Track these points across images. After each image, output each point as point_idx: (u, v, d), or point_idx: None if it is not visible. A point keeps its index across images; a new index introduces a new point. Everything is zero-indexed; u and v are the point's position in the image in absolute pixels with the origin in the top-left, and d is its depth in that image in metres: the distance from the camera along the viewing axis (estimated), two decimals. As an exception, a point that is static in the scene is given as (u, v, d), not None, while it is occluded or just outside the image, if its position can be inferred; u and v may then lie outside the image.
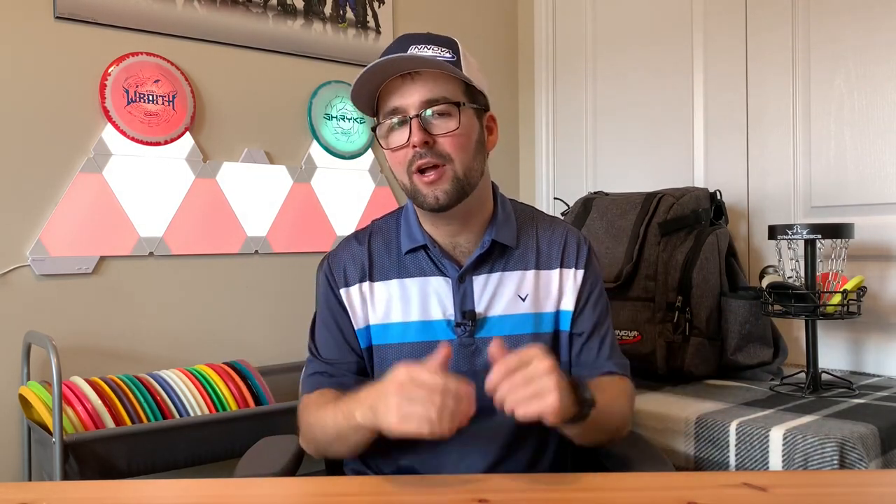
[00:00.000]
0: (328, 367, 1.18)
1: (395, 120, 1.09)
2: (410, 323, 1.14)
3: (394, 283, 1.16)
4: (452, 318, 1.13)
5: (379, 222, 1.25)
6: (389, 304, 1.15)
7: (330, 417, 1.06)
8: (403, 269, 1.17)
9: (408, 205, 1.21)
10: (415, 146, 1.07)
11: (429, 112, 1.07)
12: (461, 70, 1.09)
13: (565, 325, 1.17)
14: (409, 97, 1.08)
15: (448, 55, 1.09)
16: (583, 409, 0.98)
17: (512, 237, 1.17)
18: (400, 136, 1.09)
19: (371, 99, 1.12)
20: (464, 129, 1.09)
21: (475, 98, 1.13)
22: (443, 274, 1.15)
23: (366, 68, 1.06)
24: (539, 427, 1.15)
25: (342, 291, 1.18)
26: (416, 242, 1.16)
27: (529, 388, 0.91)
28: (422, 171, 1.08)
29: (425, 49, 1.08)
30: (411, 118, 1.07)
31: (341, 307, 1.18)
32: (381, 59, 1.06)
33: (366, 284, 1.17)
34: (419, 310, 1.14)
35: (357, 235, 1.23)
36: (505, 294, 1.15)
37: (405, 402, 0.92)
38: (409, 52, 1.08)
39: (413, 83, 1.08)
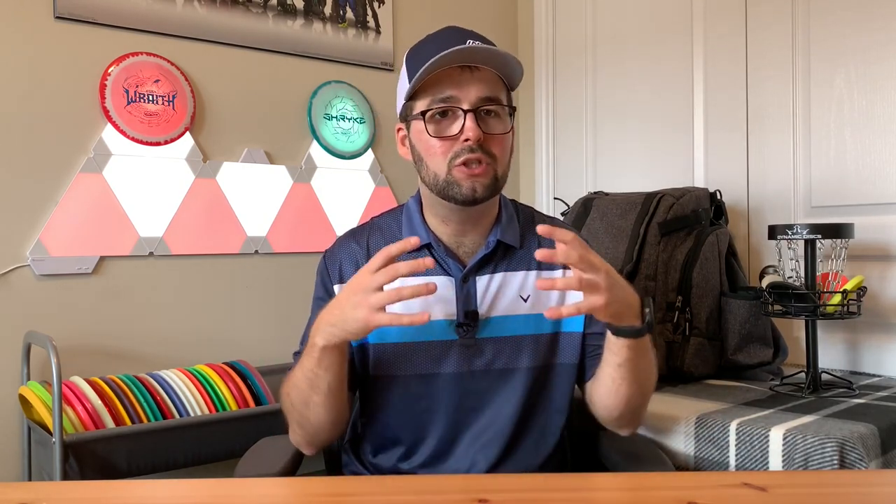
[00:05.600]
0: None
1: (443, 110, 1.08)
2: None
3: (395, 281, 1.15)
4: (454, 318, 1.13)
5: (378, 220, 1.24)
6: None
7: (298, 371, 1.07)
8: None
9: (410, 203, 1.20)
10: (467, 140, 1.06)
11: (484, 110, 1.08)
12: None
13: (568, 327, 1.17)
14: (468, 90, 1.07)
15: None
16: (643, 321, 1.01)
17: (516, 237, 1.17)
18: (449, 126, 1.08)
19: (418, 80, 1.09)
20: (510, 134, 1.11)
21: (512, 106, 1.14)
22: (446, 273, 1.14)
23: (438, 56, 1.03)
24: (539, 427, 1.16)
25: (336, 287, 1.17)
26: (420, 241, 1.15)
27: (585, 278, 0.94)
28: (466, 163, 1.07)
29: (492, 48, 1.08)
30: (466, 111, 1.06)
31: None
32: (458, 48, 1.04)
33: None
34: (420, 309, 1.13)
35: (355, 233, 1.22)
36: (507, 295, 1.14)
37: (368, 295, 0.95)
38: (468, 44, 1.06)
39: (472, 76, 1.07)
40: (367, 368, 1.16)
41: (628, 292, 1.00)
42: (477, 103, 1.07)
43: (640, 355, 1.05)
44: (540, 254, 0.93)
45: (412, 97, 1.11)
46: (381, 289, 0.96)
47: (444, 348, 1.12)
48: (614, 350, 1.05)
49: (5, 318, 1.67)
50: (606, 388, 1.10)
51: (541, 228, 0.95)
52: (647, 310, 1.02)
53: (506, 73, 1.10)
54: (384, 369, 1.14)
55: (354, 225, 1.29)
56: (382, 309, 0.96)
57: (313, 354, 1.02)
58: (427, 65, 1.04)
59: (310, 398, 1.06)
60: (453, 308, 1.13)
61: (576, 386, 1.19)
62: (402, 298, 0.95)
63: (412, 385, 1.13)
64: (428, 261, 0.94)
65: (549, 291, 1.16)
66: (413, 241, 0.97)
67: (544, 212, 1.28)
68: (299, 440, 1.15)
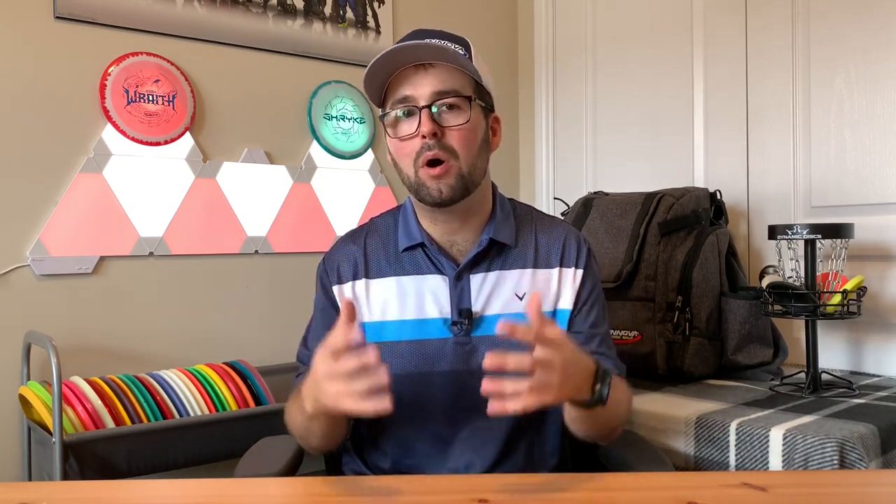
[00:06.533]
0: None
1: (401, 111, 1.09)
2: (406, 321, 1.14)
3: (390, 280, 1.16)
4: (449, 316, 1.13)
5: (377, 220, 1.25)
6: (385, 302, 1.15)
7: (298, 415, 1.07)
8: (400, 267, 1.16)
9: (406, 203, 1.21)
10: (423, 136, 1.07)
11: (439, 104, 1.07)
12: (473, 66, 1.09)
13: (561, 324, 1.17)
14: (421, 87, 1.08)
15: (461, 51, 1.10)
16: (592, 398, 0.96)
17: (510, 236, 1.17)
18: (408, 126, 1.09)
19: (381, 88, 1.12)
20: (472, 125, 1.10)
21: (483, 96, 1.13)
22: (440, 272, 1.14)
23: (381, 54, 1.06)
24: (537, 425, 1.16)
25: (335, 289, 1.18)
26: (413, 240, 1.16)
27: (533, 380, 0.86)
28: (429, 164, 1.08)
29: (439, 43, 1.08)
30: (421, 108, 1.07)
31: (333, 305, 1.18)
32: (398, 45, 1.06)
33: (360, 282, 1.17)
34: (415, 308, 1.14)
35: (353, 234, 1.23)
36: (502, 293, 1.14)
37: (333, 382, 0.88)
38: (407, 43, 1.07)
39: (426, 74, 1.08)
40: None
41: (582, 368, 0.95)
42: (431, 98, 1.07)
43: (594, 415, 1.00)
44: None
45: (383, 105, 1.13)
46: (342, 376, 0.88)
47: (439, 347, 1.13)
48: (566, 405, 1.01)
49: (5, 318, 1.67)
50: (565, 417, 1.08)
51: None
52: (597, 385, 0.96)
53: (462, 65, 1.09)
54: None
55: (354, 225, 1.29)
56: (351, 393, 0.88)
57: (305, 415, 1.00)
58: (366, 71, 1.07)
59: (308, 437, 1.09)
60: (448, 307, 1.13)
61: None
62: (371, 409, 0.86)
63: (408, 384, 1.13)
64: (372, 354, 0.86)
65: (546, 290, 1.16)
66: (347, 306, 0.90)
67: (544, 212, 1.28)
68: (303, 447, 1.18)
